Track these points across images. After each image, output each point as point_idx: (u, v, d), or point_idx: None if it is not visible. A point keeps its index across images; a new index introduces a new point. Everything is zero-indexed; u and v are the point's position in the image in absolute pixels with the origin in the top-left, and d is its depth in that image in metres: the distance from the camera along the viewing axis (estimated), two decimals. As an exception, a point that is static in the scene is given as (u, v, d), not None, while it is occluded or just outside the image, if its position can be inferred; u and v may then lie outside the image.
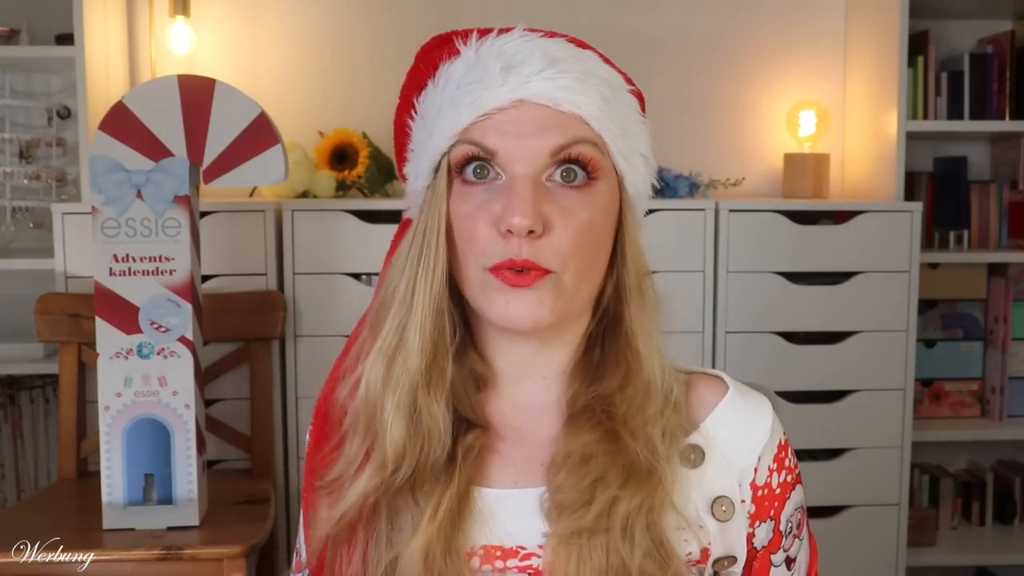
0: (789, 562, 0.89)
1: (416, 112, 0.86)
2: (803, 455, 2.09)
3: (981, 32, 2.45)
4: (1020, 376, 2.40)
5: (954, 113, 2.32)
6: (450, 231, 0.81)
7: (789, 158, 2.35)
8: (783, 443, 0.88)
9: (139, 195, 1.50)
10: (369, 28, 2.39)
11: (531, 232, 0.76)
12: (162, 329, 1.52)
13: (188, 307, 1.52)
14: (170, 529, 1.56)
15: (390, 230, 2.00)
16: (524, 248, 0.77)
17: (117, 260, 1.51)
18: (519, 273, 0.77)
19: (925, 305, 2.38)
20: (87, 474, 1.89)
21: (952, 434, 2.37)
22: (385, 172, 2.24)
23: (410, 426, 0.81)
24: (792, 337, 2.10)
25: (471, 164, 0.80)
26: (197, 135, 1.51)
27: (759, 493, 0.86)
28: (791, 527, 0.88)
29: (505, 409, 0.87)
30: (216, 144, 1.52)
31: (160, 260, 1.51)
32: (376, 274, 2.03)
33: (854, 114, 2.42)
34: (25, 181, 2.24)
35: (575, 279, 0.79)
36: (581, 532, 0.77)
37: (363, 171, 2.18)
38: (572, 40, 0.85)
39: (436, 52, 0.86)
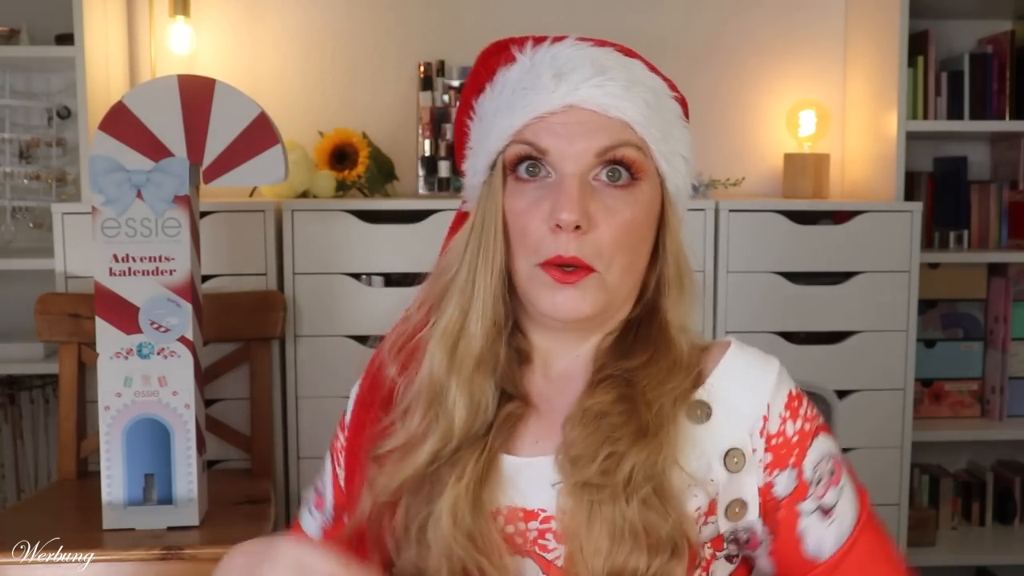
0: (825, 511, 0.89)
1: (475, 112, 0.93)
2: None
3: (981, 32, 2.45)
4: (1020, 376, 2.40)
5: (954, 113, 2.32)
6: (505, 224, 0.88)
7: (789, 158, 2.35)
8: (794, 394, 0.90)
9: (139, 195, 1.49)
10: (369, 28, 2.39)
11: (578, 228, 0.83)
12: (162, 329, 1.52)
13: (188, 307, 1.52)
14: (170, 529, 1.56)
15: (390, 230, 2.02)
16: (572, 245, 0.83)
17: (117, 260, 1.50)
18: (566, 272, 0.84)
19: (925, 305, 2.38)
20: (87, 474, 1.89)
21: (952, 434, 2.37)
22: (385, 172, 2.24)
23: (471, 403, 0.88)
24: (792, 337, 2.10)
25: (524, 163, 0.87)
26: (197, 135, 1.51)
27: (773, 442, 0.88)
28: (820, 475, 0.89)
29: (539, 380, 0.93)
30: (216, 144, 1.52)
31: (160, 260, 1.51)
32: (376, 274, 2.04)
33: (854, 114, 2.42)
34: (25, 181, 2.25)
35: (619, 275, 0.87)
36: (588, 485, 0.82)
37: (363, 171, 2.18)
38: (620, 49, 0.90)
39: (494, 58, 0.92)
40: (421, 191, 2.34)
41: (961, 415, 2.43)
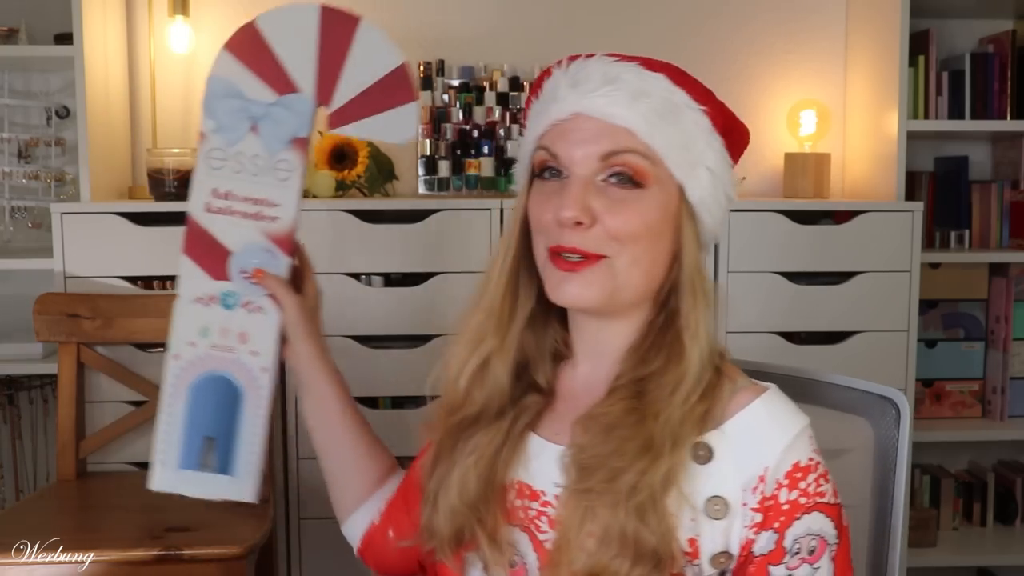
0: None
1: (527, 125, 1.02)
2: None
3: (982, 31, 2.45)
4: (1021, 376, 2.40)
5: (955, 113, 2.32)
6: (527, 222, 0.98)
7: (790, 158, 2.35)
8: (803, 465, 0.91)
9: (254, 129, 1.30)
10: (369, 28, 2.38)
11: (579, 224, 0.90)
12: (252, 280, 1.30)
13: (286, 261, 1.31)
14: (168, 529, 1.55)
15: (390, 230, 2.02)
16: (575, 238, 0.91)
17: (217, 196, 1.30)
18: (571, 262, 0.92)
19: (926, 305, 2.38)
20: (86, 474, 1.89)
21: (953, 434, 2.37)
22: (385, 172, 2.23)
23: (479, 381, 0.99)
24: (793, 337, 2.10)
25: (546, 169, 0.95)
26: (329, 74, 1.32)
27: (767, 504, 0.90)
28: (799, 548, 0.90)
29: (574, 380, 1.01)
30: (348, 88, 1.32)
31: (264, 204, 1.31)
32: (376, 274, 2.04)
33: (855, 114, 2.42)
34: (24, 181, 2.24)
35: (628, 264, 0.92)
36: (589, 492, 0.88)
37: (363, 171, 2.17)
38: (645, 63, 0.95)
39: (543, 75, 1.00)
40: (421, 191, 2.34)
41: (962, 415, 2.43)
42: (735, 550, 0.90)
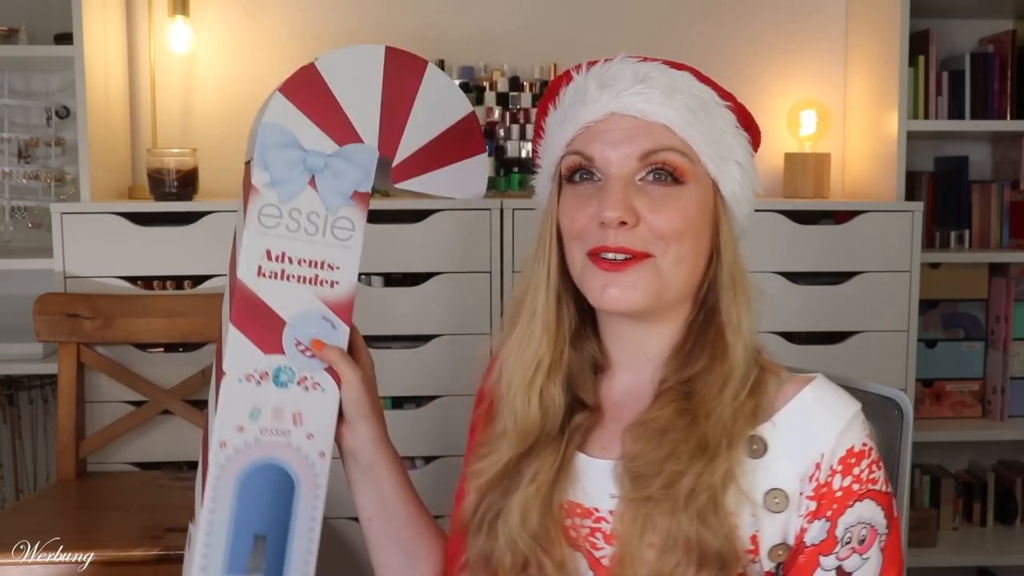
0: (841, 573, 0.90)
1: (543, 132, 1.01)
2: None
3: (982, 31, 2.45)
4: (1021, 376, 2.40)
5: (955, 113, 2.32)
6: (560, 229, 0.95)
7: (790, 158, 2.35)
8: (857, 451, 0.90)
9: (311, 183, 1.17)
10: (369, 28, 2.38)
11: (623, 223, 0.89)
12: (308, 353, 1.15)
13: (345, 331, 1.16)
14: (168, 529, 1.55)
15: (390, 230, 2.02)
16: (621, 237, 0.89)
17: (270, 258, 1.16)
18: (615, 262, 0.90)
19: (926, 305, 2.38)
20: (86, 474, 1.89)
21: (953, 434, 2.37)
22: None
23: (540, 405, 0.96)
24: (793, 337, 2.10)
25: (577, 172, 0.94)
26: (394, 123, 1.20)
27: (821, 491, 0.89)
28: (850, 538, 0.89)
29: (613, 391, 0.99)
30: (414, 139, 1.20)
31: (322, 267, 1.17)
32: (376, 274, 2.04)
33: (855, 113, 2.42)
34: (24, 181, 2.24)
35: (673, 263, 0.91)
36: (647, 500, 0.87)
37: (363, 171, 2.17)
38: (668, 63, 0.95)
39: (558, 82, 0.99)
40: (421, 191, 2.34)
41: (962, 415, 2.43)
42: (791, 540, 0.90)
